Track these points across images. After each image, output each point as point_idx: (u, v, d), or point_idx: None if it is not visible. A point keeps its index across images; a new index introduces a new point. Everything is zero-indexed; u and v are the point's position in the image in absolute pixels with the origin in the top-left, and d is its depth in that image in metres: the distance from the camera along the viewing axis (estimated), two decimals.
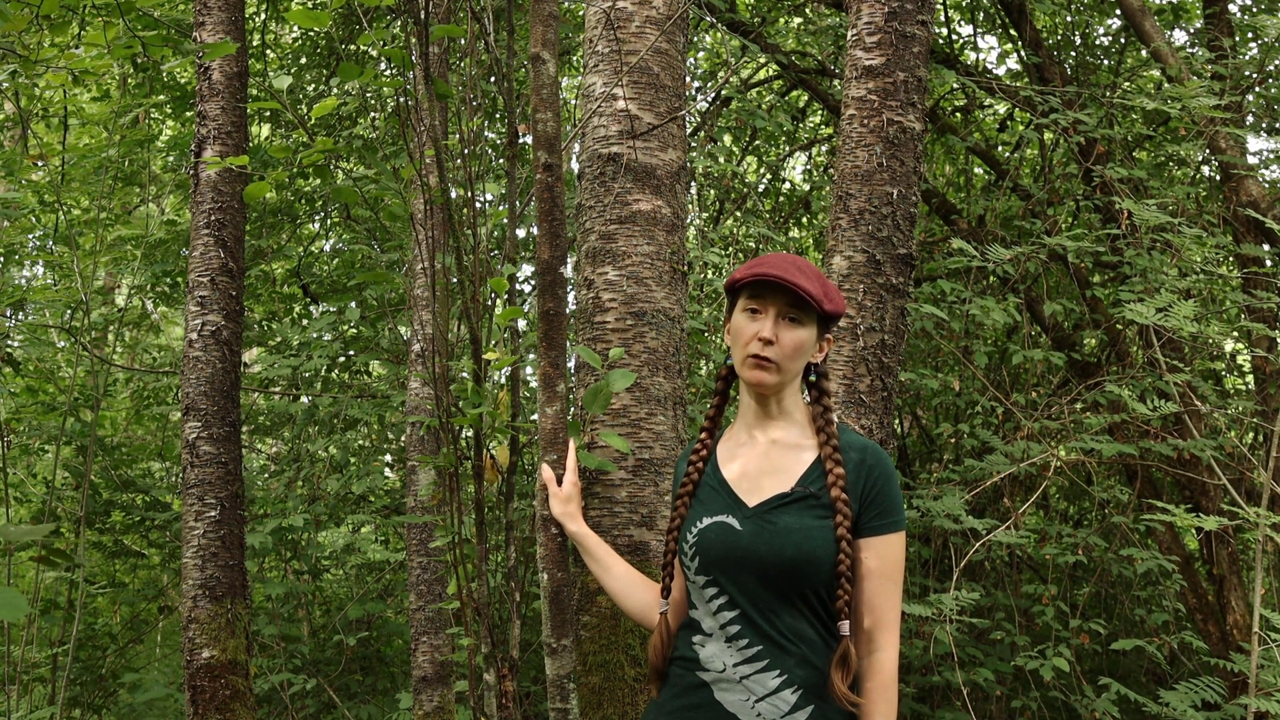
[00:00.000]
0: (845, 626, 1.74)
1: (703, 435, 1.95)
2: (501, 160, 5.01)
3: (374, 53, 6.17)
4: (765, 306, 1.82)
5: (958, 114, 6.97)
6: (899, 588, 1.79)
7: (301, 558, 6.07)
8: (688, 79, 4.93)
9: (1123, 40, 6.65)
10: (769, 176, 7.11)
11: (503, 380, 2.61)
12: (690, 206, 5.18)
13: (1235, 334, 5.50)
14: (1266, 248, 5.12)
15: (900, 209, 2.54)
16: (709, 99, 6.26)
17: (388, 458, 6.62)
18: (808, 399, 1.91)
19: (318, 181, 6.14)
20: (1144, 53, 6.34)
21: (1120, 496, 5.20)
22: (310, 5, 5.98)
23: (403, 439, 5.99)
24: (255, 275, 6.20)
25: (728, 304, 1.91)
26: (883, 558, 1.78)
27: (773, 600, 1.75)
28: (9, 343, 5.69)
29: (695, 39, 6.72)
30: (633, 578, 2.09)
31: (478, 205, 2.67)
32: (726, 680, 1.76)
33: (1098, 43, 6.84)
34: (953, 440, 5.66)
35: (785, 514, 1.78)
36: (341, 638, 5.72)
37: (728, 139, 7.00)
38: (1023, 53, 6.14)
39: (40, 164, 6.09)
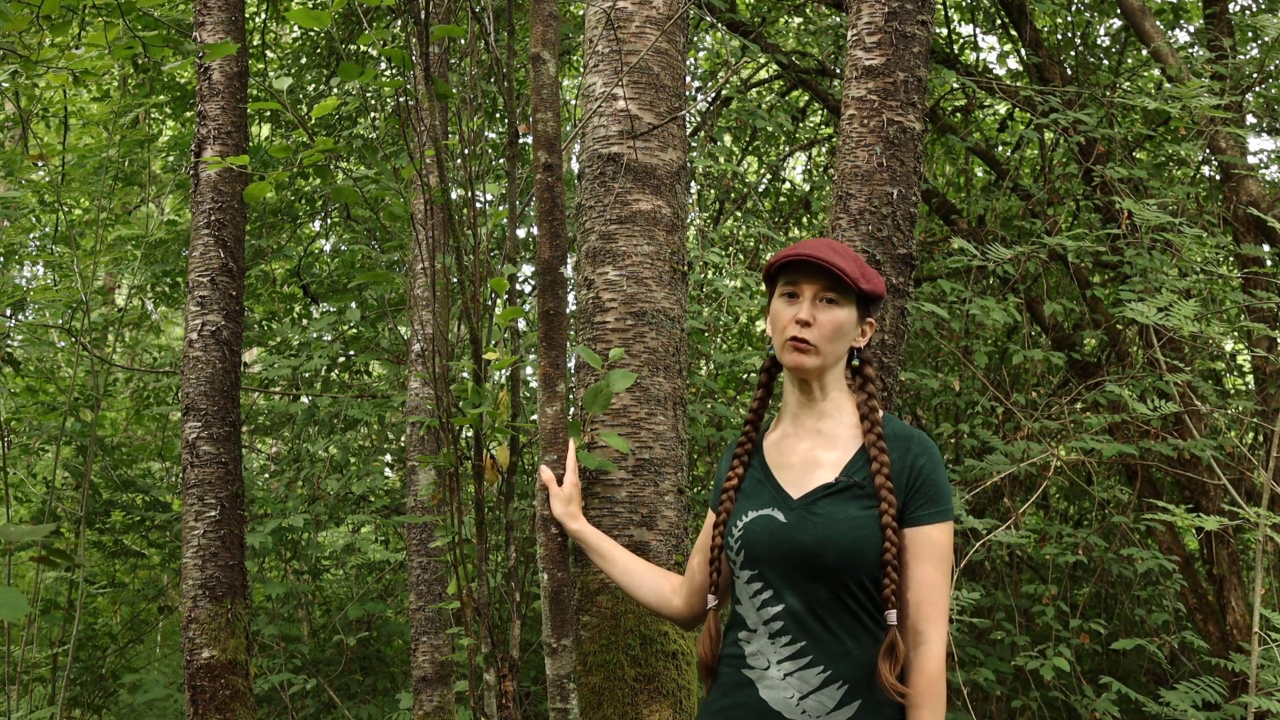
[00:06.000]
0: (892, 616, 1.71)
1: (747, 429, 1.93)
2: (501, 160, 5.01)
3: (374, 53, 6.17)
4: (801, 289, 1.81)
5: (958, 114, 6.97)
6: (946, 579, 1.76)
7: (301, 558, 6.06)
8: (688, 79, 4.93)
9: (1123, 40, 6.65)
10: (769, 176, 7.11)
11: (503, 380, 2.61)
12: (690, 206, 5.18)
13: (1235, 334, 5.50)
14: (1266, 248, 5.12)
15: (900, 209, 2.54)
16: (709, 99, 6.26)
17: (388, 458, 6.62)
18: (852, 386, 1.88)
19: (318, 181, 6.13)
20: (1144, 53, 6.34)
21: (1120, 496, 5.19)
22: (310, 5, 5.98)
23: (403, 439, 5.99)
24: (255, 275, 6.20)
25: (767, 293, 1.90)
26: (930, 548, 1.75)
27: (818, 593, 1.73)
28: (9, 343, 5.69)
29: (695, 39, 6.72)
30: (639, 567, 2.09)
31: (478, 205, 2.67)
32: (772, 677, 1.75)
33: (1098, 43, 6.84)
34: (953, 440, 5.65)
35: (830, 504, 1.76)
36: (341, 638, 5.72)
37: (728, 139, 7.00)
38: (1023, 53, 6.14)
39: (40, 164, 6.09)
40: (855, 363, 1.88)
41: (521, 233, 5.32)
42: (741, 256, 6.20)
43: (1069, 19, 6.58)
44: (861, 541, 1.72)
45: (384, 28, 5.23)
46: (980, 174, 7.08)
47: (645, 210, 2.62)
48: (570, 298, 2.55)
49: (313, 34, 6.54)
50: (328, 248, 6.91)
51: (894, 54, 2.54)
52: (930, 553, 1.75)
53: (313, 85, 6.41)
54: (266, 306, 6.56)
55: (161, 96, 6.29)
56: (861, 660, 1.72)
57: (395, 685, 5.94)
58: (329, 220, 6.88)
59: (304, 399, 6.19)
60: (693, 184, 5.56)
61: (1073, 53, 6.55)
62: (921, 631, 1.74)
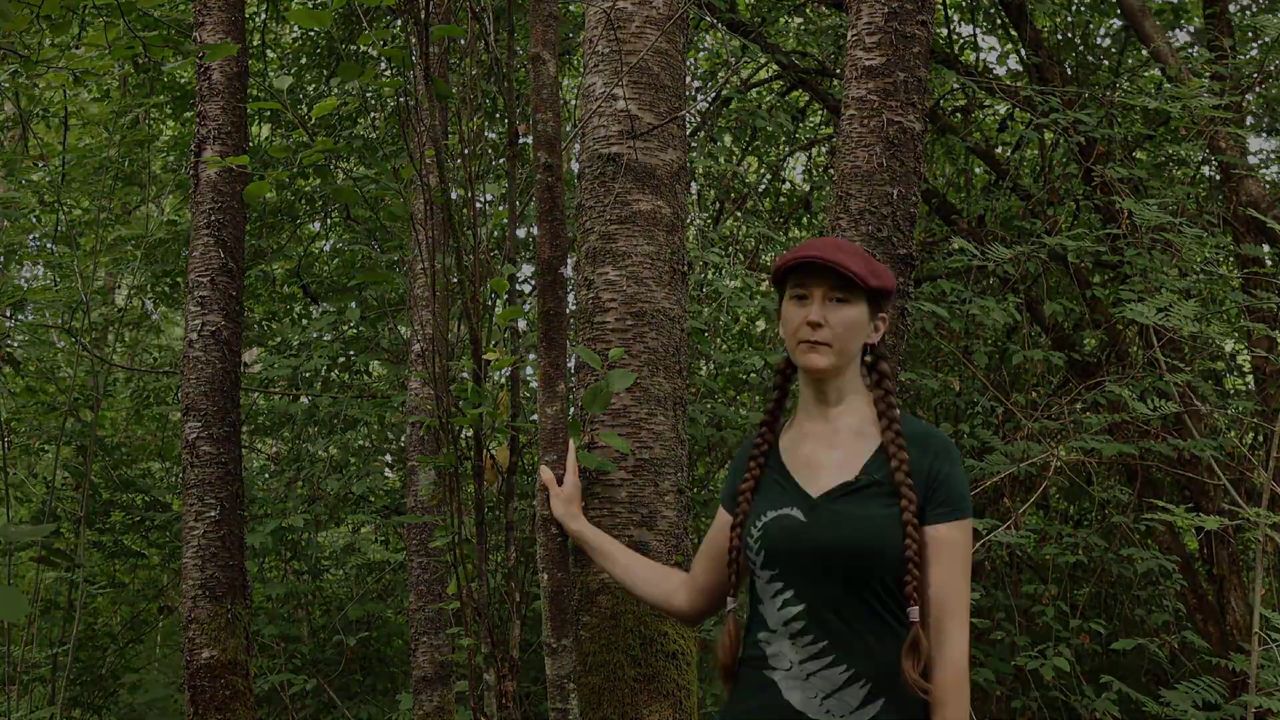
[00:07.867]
0: (914, 613, 1.70)
1: (763, 430, 1.92)
2: (501, 160, 5.01)
3: (374, 53, 6.17)
4: (811, 290, 1.81)
5: (958, 114, 6.97)
6: (967, 578, 1.75)
7: (301, 558, 6.06)
8: (688, 79, 4.93)
9: (1123, 40, 6.65)
10: (769, 176, 7.11)
11: (503, 380, 2.62)
12: (690, 206, 5.18)
13: (1235, 334, 5.50)
14: (1266, 248, 5.12)
15: (900, 209, 2.53)
16: (709, 99, 6.26)
17: (388, 458, 6.62)
18: (868, 383, 1.89)
19: (318, 181, 6.13)
20: (1144, 53, 6.34)
21: (1120, 496, 5.19)
22: (310, 5, 5.98)
23: (403, 439, 5.99)
24: (255, 275, 6.19)
25: (777, 296, 1.90)
26: (949, 548, 1.74)
27: (839, 592, 1.73)
28: (9, 343, 5.69)
29: (695, 39, 6.72)
30: (641, 565, 2.09)
31: (478, 205, 2.67)
32: (794, 678, 1.74)
33: (1098, 43, 6.84)
34: (953, 440, 5.64)
35: (850, 503, 1.76)
36: (341, 638, 5.72)
37: (728, 139, 7.00)
38: (1023, 53, 6.14)
39: (40, 164, 6.09)
40: (869, 359, 1.87)
41: (521, 233, 5.32)
42: (741, 256, 6.19)
43: (1069, 19, 6.58)
44: (882, 539, 1.72)
45: (384, 28, 5.23)
46: (980, 174, 7.08)
47: (645, 210, 2.62)
48: (570, 298, 2.55)
49: (313, 34, 6.54)
50: (328, 248, 6.90)
51: (894, 54, 2.54)
52: (950, 552, 1.74)
53: (313, 85, 6.41)
54: (266, 306, 6.55)
55: (161, 96, 6.29)
56: (884, 659, 1.71)
57: (395, 685, 5.94)
58: (329, 220, 6.88)
59: (304, 399, 6.19)
60: (693, 184, 5.56)
61: (1073, 53, 6.55)
62: (943, 630, 1.73)
